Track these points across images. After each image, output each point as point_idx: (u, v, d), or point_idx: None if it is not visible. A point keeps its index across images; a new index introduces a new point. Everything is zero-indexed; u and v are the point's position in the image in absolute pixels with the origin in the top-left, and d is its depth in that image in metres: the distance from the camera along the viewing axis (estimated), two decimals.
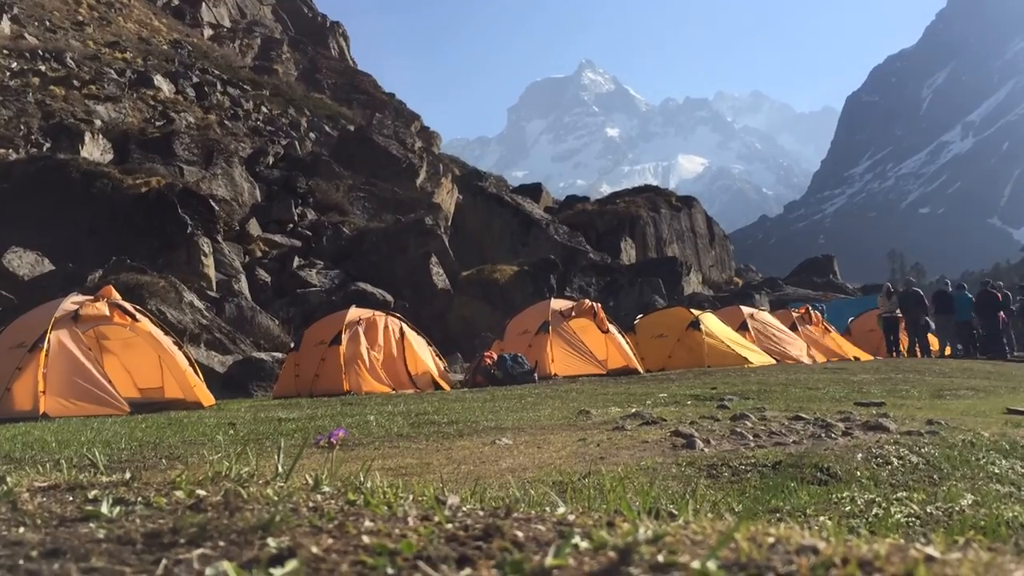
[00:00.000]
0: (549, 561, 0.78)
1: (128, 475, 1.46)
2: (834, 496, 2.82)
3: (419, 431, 5.81)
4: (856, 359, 19.56)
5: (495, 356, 15.46)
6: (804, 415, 5.59)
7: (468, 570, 0.78)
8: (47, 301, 12.09)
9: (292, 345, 16.37)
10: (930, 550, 0.79)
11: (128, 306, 11.56)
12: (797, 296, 35.06)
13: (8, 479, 1.39)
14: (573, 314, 16.70)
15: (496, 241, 33.29)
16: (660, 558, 0.77)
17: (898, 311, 21.90)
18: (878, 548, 0.79)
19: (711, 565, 0.75)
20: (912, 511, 2.52)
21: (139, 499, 1.19)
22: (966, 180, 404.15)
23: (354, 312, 15.66)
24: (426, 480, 3.06)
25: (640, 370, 15.88)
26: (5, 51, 38.65)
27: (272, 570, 0.78)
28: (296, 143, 43.38)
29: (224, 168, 31.62)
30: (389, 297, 26.98)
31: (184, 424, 7.22)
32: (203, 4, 64.50)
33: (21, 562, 0.81)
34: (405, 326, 16.08)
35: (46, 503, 1.19)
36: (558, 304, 17.26)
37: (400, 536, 0.89)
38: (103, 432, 6.60)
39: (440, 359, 16.99)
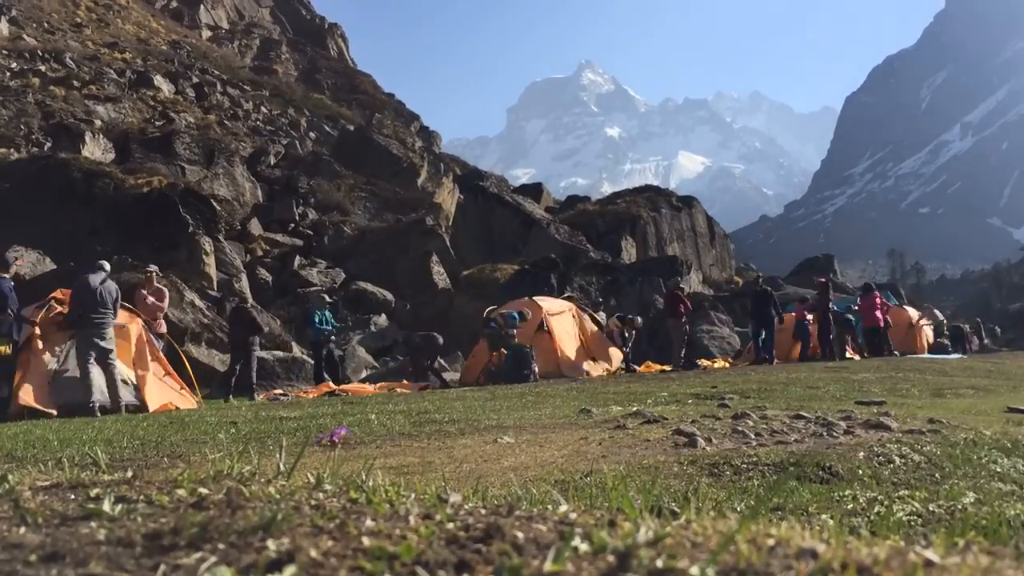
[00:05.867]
0: (547, 567, 0.78)
1: (130, 473, 1.46)
2: (836, 494, 2.82)
3: (420, 430, 5.81)
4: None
5: (504, 355, 15.65)
6: (805, 414, 5.59)
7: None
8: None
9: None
10: (929, 554, 0.79)
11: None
12: (797, 296, 35.05)
13: (10, 477, 1.39)
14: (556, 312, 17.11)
15: (497, 241, 33.29)
16: (659, 563, 0.77)
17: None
18: (877, 552, 0.79)
19: (710, 572, 0.75)
20: (914, 509, 2.52)
21: (141, 497, 1.19)
22: (966, 180, 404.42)
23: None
24: (428, 479, 3.06)
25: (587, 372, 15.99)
26: (4, 52, 38.67)
27: None
28: (296, 143, 43.41)
29: (225, 168, 31.63)
30: (390, 296, 26.99)
31: (186, 423, 7.22)
32: (201, 6, 64.52)
33: (19, 567, 0.80)
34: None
35: (48, 501, 1.18)
36: (545, 302, 17.42)
37: (400, 537, 0.89)
38: (105, 431, 6.60)
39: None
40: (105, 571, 0.80)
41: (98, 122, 33.39)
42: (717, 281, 41.02)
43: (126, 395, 10.72)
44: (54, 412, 9.77)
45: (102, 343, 10.25)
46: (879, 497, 2.72)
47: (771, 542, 0.83)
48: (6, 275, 11.26)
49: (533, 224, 33.99)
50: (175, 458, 4.55)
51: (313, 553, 0.82)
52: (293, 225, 30.86)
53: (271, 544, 0.85)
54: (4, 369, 10.25)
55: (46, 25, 46.75)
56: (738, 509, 2.44)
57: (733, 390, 9.09)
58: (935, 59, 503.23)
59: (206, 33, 62.75)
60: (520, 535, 0.89)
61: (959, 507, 2.55)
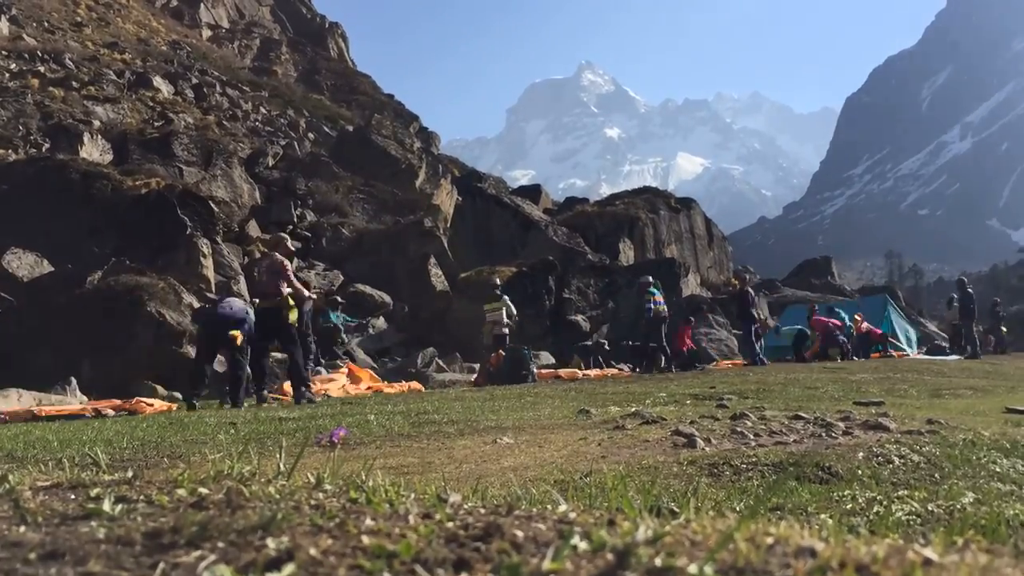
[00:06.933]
0: (546, 565, 0.78)
1: (130, 473, 1.46)
2: (835, 494, 2.83)
3: (420, 430, 5.81)
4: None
5: (502, 355, 15.80)
6: (804, 414, 5.59)
7: (465, 574, 0.78)
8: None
9: None
10: (928, 552, 0.79)
11: None
12: (796, 298, 35.08)
13: (10, 477, 1.39)
14: None
15: (495, 242, 33.31)
16: (658, 562, 0.77)
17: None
18: (876, 551, 0.79)
19: (708, 570, 0.75)
20: (913, 509, 2.52)
21: (141, 497, 1.19)
22: (965, 181, 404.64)
23: None
24: (428, 479, 3.06)
25: None
26: (4, 52, 38.65)
27: (269, 575, 0.78)
28: (295, 144, 43.39)
29: (224, 169, 31.63)
30: (388, 299, 26.99)
31: (185, 423, 7.21)
32: (201, 4, 64.51)
33: (19, 566, 0.81)
34: None
35: (48, 501, 1.19)
36: None
37: (400, 536, 0.89)
38: (104, 431, 6.60)
39: None
40: (104, 569, 0.80)
41: (96, 123, 33.36)
42: (715, 283, 41.04)
43: None
44: None
45: None
46: (878, 497, 2.73)
47: (770, 540, 0.83)
48: None
49: (531, 226, 34.00)
50: (175, 458, 4.55)
51: (312, 551, 0.83)
52: (291, 227, 30.85)
53: (271, 543, 0.85)
54: None
55: (46, 24, 46.72)
56: (737, 509, 2.44)
57: (732, 391, 9.10)
58: (936, 60, 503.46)
59: (206, 32, 62.73)
60: (519, 534, 0.89)
61: (958, 507, 2.56)
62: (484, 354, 19.05)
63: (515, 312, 18.88)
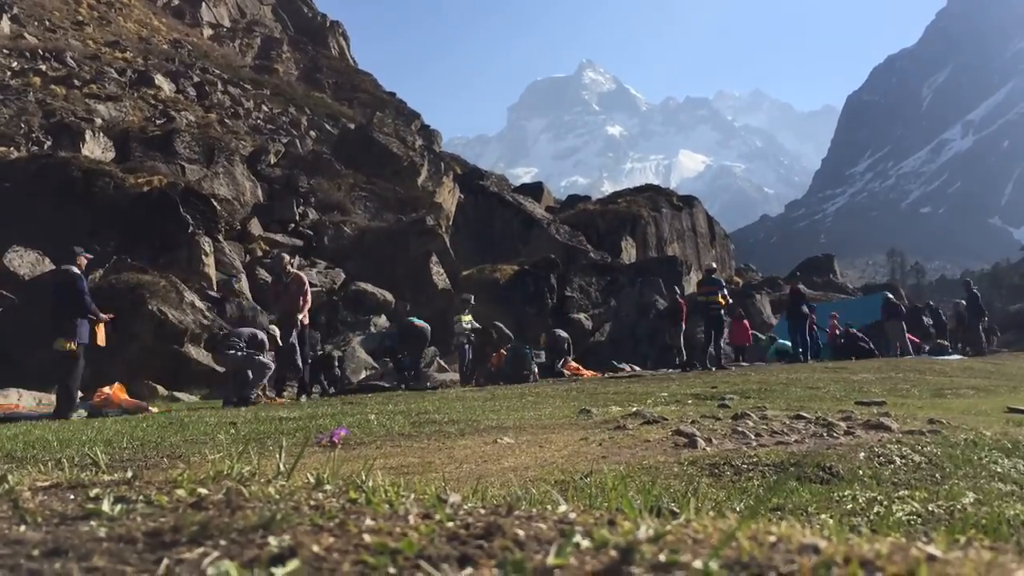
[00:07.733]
0: (551, 560, 0.78)
1: (130, 474, 1.46)
2: (836, 494, 2.82)
3: (420, 430, 5.80)
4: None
5: (503, 354, 15.84)
6: (805, 414, 5.58)
7: (470, 569, 0.78)
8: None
9: None
10: (932, 549, 0.79)
11: None
12: None
13: (10, 478, 1.39)
14: None
15: (497, 240, 33.30)
16: (662, 557, 0.77)
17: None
18: (879, 547, 0.78)
19: (713, 564, 0.75)
20: (914, 509, 2.52)
21: (140, 497, 1.19)
22: (966, 179, 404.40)
23: None
24: (428, 479, 3.06)
25: None
26: (5, 51, 38.67)
27: (273, 569, 0.78)
28: (297, 142, 43.38)
29: (226, 167, 31.62)
30: (390, 296, 26.99)
31: (185, 423, 7.21)
32: (203, 3, 64.50)
33: (23, 561, 0.80)
34: None
35: (47, 501, 1.18)
36: None
37: (401, 535, 0.89)
38: (104, 431, 6.60)
39: None
40: (108, 564, 0.80)
41: (98, 121, 33.37)
42: None
43: None
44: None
45: None
46: (879, 497, 2.72)
47: (772, 538, 0.84)
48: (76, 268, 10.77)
49: (533, 224, 33.99)
50: (175, 459, 4.55)
51: (316, 548, 0.83)
52: (293, 225, 30.85)
53: (272, 540, 0.85)
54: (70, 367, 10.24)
55: (47, 23, 46.73)
56: (738, 509, 2.44)
57: (733, 390, 9.09)
58: (937, 58, 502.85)
59: (207, 31, 62.74)
60: (521, 533, 0.89)
61: (959, 507, 2.55)
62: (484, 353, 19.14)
63: (468, 328, 18.97)
